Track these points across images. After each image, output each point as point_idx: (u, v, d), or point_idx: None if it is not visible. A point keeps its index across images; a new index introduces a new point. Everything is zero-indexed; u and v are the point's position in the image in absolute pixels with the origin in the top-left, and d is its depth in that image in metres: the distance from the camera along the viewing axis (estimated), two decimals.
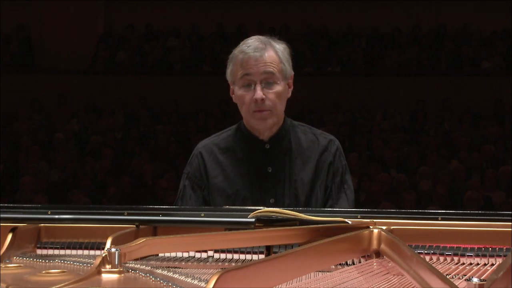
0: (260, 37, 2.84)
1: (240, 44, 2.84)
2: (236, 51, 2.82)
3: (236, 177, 2.84)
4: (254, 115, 2.79)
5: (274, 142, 2.87)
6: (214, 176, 2.85)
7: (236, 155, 2.88)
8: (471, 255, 2.10)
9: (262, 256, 2.18)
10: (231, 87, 2.87)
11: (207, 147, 2.91)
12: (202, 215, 2.36)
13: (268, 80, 2.77)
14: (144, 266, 2.06)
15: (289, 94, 2.86)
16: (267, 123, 2.81)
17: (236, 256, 2.22)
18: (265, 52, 2.77)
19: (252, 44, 2.79)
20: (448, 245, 2.14)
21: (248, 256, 2.21)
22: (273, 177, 2.84)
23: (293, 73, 2.86)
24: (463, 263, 2.10)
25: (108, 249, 1.88)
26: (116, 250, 1.84)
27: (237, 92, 2.81)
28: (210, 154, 2.89)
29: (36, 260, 2.21)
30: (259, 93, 2.75)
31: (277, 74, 2.78)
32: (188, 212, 2.44)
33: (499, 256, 2.09)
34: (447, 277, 1.74)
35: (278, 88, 2.79)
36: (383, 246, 2.06)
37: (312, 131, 2.95)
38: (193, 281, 1.88)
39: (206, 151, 2.90)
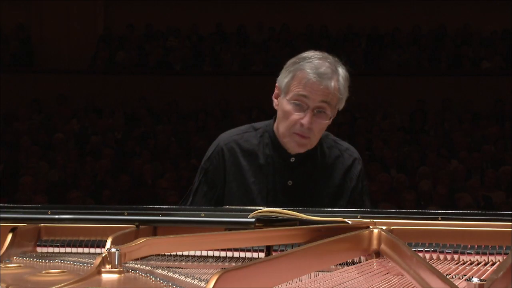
0: (328, 57, 2.71)
1: (305, 57, 2.68)
2: (298, 64, 2.67)
3: (253, 184, 2.75)
4: (293, 136, 2.69)
5: (300, 157, 2.76)
6: (231, 180, 2.77)
7: (258, 161, 2.77)
8: (471, 253, 2.10)
9: (262, 256, 2.18)
10: (277, 91, 2.74)
11: (229, 146, 2.79)
12: (202, 215, 2.36)
13: (321, 109, 2.65)
14: (144, 266, 2.06)
15: (329, 123, 2.72)
16: (301, 149, 2.73)
17: (236, 255, 2.22)
18: (332, 82, 2.64)
19: (320, 66, 2.65)
20: (448, 244, 2.15)
21: (248, 256, 2.21)
22: (292, 192, 2.76)
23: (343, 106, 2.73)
24: (463, 263, 2.10)
25: (108, 249, 1.88)
26: (116, 250, 1.84)
27: (285, 105, 2.68)
28: (231, 154, 2.78)
29: (36, 260, 2.21)
30: (308, 120, 2.63)
31: (332, 105, 2.67)
32: (188, 212, 2.44)
33: (499, 254, 2.09)
34: (447, 277, 1.74)
35: (326, 120, 2.67)
36: (383, 246, 2.06)
37: (338, 146, 2.84)
38: (193, 281, 1.87)
39: (228, 150, 2.78)
